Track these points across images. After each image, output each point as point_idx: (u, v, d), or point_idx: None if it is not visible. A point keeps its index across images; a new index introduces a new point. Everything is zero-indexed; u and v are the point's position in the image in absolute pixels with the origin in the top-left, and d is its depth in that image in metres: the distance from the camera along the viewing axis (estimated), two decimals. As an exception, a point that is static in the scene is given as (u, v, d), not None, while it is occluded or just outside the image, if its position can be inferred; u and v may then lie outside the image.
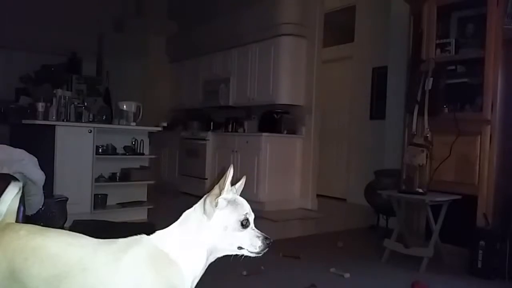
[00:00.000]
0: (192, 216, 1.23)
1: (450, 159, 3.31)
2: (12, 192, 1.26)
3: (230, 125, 6.40)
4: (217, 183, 1.23)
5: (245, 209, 1.24)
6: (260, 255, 1.24)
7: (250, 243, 1.22)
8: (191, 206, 1.26)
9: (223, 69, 6.67)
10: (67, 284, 1.09)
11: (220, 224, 1.21)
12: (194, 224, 1.21)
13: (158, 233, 1.22)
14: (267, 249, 1.24)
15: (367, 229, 4.63)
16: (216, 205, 1.21)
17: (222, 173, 1.25)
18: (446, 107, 3.49)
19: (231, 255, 1.25)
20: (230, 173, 1.23)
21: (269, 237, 1.25)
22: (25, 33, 6.88)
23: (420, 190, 3.23)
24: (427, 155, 3.27)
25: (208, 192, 1.24)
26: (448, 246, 3.29)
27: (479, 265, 3.01)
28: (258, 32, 5.94)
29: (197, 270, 1.20)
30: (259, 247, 1.23)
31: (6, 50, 7.00)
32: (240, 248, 1.23)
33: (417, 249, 3.22)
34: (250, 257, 1.24)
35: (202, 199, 1.24)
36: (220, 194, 1.21)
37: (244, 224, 1.22)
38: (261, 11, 5.93)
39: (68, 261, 1.12)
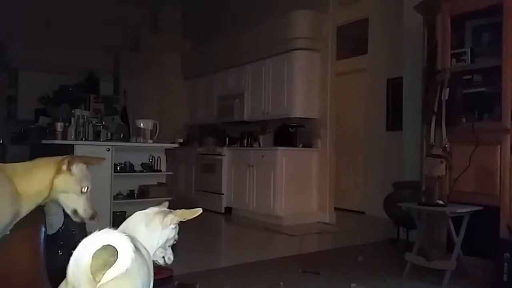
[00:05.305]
0: None
1: (469, 170, 3.25)
2: None
3: (246, 140, 6.42)
4: None
5: None
6: None
7: None
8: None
9: (237, 84, 6.72)
10: None
11: None
12: None
13: None
14: None
15: (387, 242, 4.55)
16: None
17: None
18: (463, 117, 3.44)
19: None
20: None
21: None
22: (43, 54, 7.07)
23: (441, 202, 3.17)
24: (446, 166, 3.21)
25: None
26: (471, 259, 3.21)
27: (505, 278, 2.92)
28: (272, 47, 5.98)
29: None
30: None
31: (25, 71, 7.22)
32: None
33: (439, 262, 3.15)
34: None
35: None
36: None
37: None
38: (274, 26, 5.97)
39: None
